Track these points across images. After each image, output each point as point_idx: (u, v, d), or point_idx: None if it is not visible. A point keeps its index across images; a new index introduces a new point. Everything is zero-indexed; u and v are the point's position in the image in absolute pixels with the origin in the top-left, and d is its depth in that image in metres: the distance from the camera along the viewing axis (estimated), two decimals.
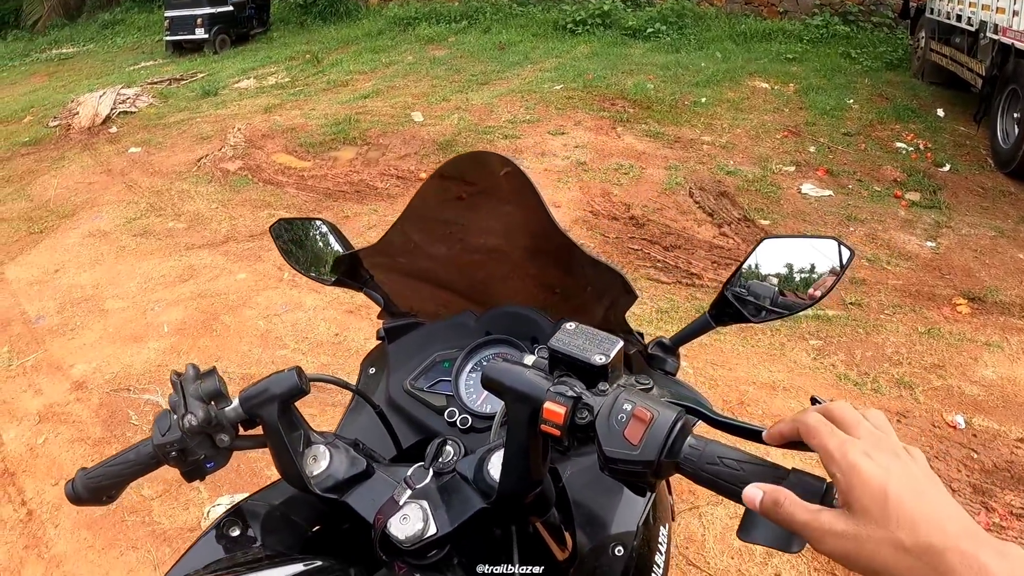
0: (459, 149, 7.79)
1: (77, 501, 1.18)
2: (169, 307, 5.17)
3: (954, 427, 3.74)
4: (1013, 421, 3.78)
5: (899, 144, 8.10)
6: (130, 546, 3.29)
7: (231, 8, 16.14)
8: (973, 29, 8.60)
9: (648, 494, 0.92)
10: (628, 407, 0.87)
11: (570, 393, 0.92)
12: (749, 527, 0.80)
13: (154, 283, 5.57)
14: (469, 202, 1.53)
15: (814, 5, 14.23)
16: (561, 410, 0.90)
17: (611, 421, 0.87)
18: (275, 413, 1.12)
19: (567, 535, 1.21)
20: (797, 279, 1.31)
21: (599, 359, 0.94)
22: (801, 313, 1.34)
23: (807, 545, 0.75)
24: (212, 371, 1.17)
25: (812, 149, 7.89)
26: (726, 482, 0.81)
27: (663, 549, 1.28)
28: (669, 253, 5.60)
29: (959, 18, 9.16)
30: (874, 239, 5.84)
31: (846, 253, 1.30)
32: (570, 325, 1.00)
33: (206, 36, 15.44)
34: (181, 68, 13.79)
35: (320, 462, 1.15)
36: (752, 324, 1.34)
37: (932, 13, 10.52)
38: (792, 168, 7.33)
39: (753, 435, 0.90)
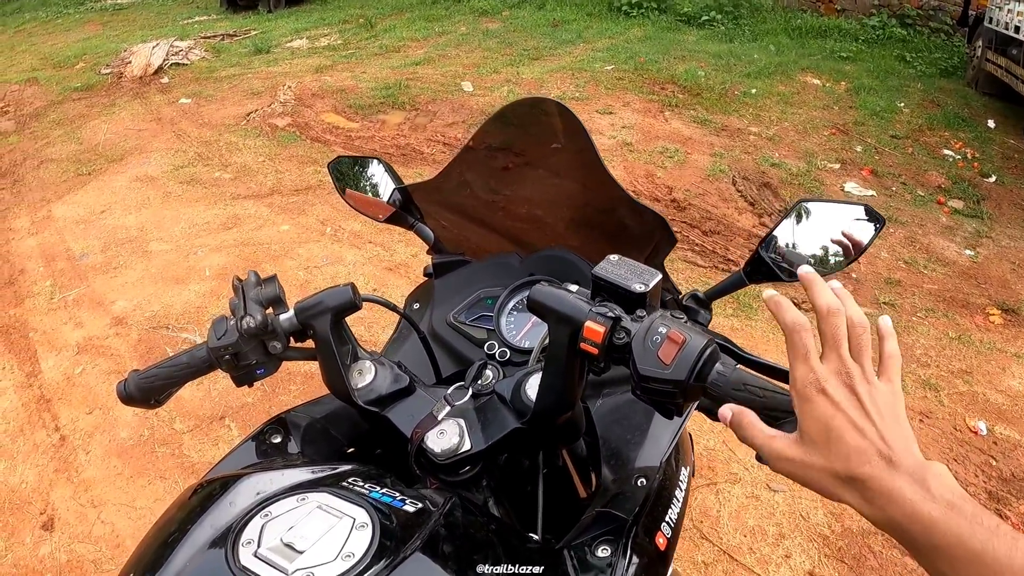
0: (507, 120, 7.74)
1: (128, 400, 1.22)
2: (212, 252, 5.23)
3: (975, 432, 3.71)
4: None
5: (947, 151, 7.98)
6: (158, 476, 3.35)
7: None
8: None
9: (675, 418, 0.95)
10: (663, 330, 0.90)
11: (610, 314, 0.95)
12: None
13: (198, 229, 5.63)
14: (522, 148, 1.56)
15: (872, 5, 14.00)
16: (601, 329, 0.94)
17: (647, 342, 0.90)
18: (327, 325, 1.15)
19: (592, 474, 1.23)
20: (828, 243, 1.32)
21: (639, 287, 0.97)
22: None
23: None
24: (273, 278, 1.20)
25: (859, 148, 7.80)
26: (749, 408, 0.85)
27: (683, 487, 1.30)
28: (708, 238, 5.58)
29: (1018, 29, 8.98)
30: (913, 242, 5.78)
31: (876, 222, 1.31)
32: (613, 257, 1.03)
33: None
34: (235, 24, 13.84)
35: (365, 376, 1.18)
36: (783, 283, 1.35)
37: (991, 23, 10.31)
38: (837, 166, 7.25)
39: (777, 373, 0.93)
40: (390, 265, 4.95)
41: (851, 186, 6.75)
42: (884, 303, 4.82)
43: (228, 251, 5.24)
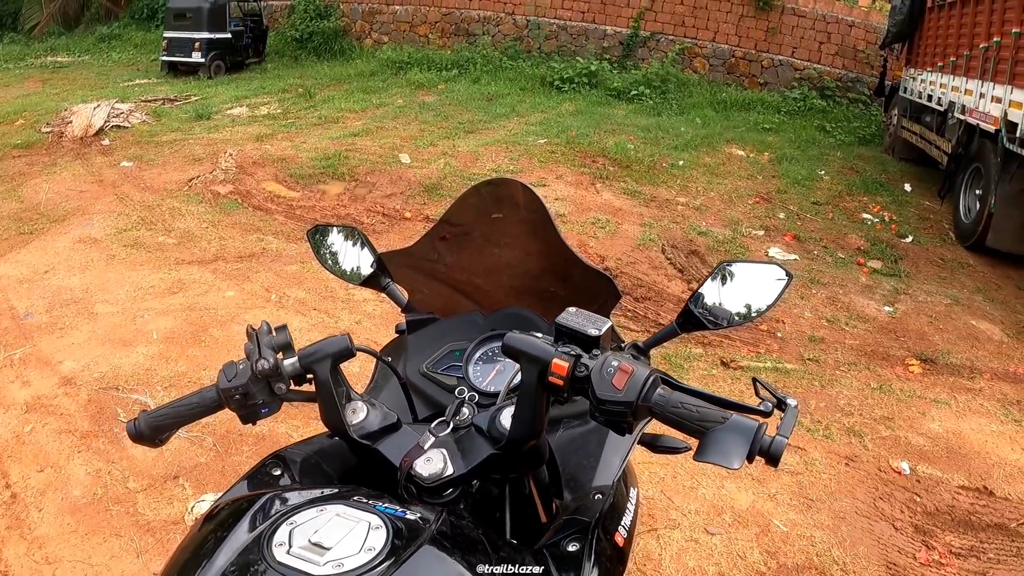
0: (444, 192, 8.08)
1: (138, 438, 1.41)
2: (158, 316, 5.30)
3: (899, 472, 3.99)
4: (956, 470, 4.05)
5: (865, 215, 8.46)
6: (113, 533, 3.39)
7: (229, 35, 16.48)
8: (942, 109, 9.04)
9: (627, 435, 1.20)
10: (615, 363, 1.16)
11: (572, 352, 1.21)
12: (704, 451, 1.09)
13: (144, 292, 5.70)
14: (486, 221, 1.84)
15: (793, 79, 14.67)
16: (566, 364, 1.19)
17: (602, 373, 1.16)
18: (327, 369, 1.35)
19: (553, 503, 1.48)
20: (746, 298, 1.58)
21: (594, 331, 1.23)
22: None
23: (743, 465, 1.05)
24: (284, 327, 1.41)
25: (782, 215, 8.23)
26: (687, 420, 1.12)
27: (633, 503, 1.58)
28: (639, 304, 5.85)
29: (930, 98, 9.56)
30: (835, 302, 6.14)
31: (786, 277, 1.58)
32: (572, 309, 1.29)
33: (202, 60, 15.69)
34: (175, 89, 13.98)
35: (359, 414, 1.39)
36: (710, 332, 1.63)
37: (905, 92, 10.93)
38: (761, 232, 7.66)
39: (702, 396, 1.19)
40: (335, 332, 5.02)
41: (775, 251, 7.12)
42: (809, 359, 5.14)
43: (175, 315, 5.31)
